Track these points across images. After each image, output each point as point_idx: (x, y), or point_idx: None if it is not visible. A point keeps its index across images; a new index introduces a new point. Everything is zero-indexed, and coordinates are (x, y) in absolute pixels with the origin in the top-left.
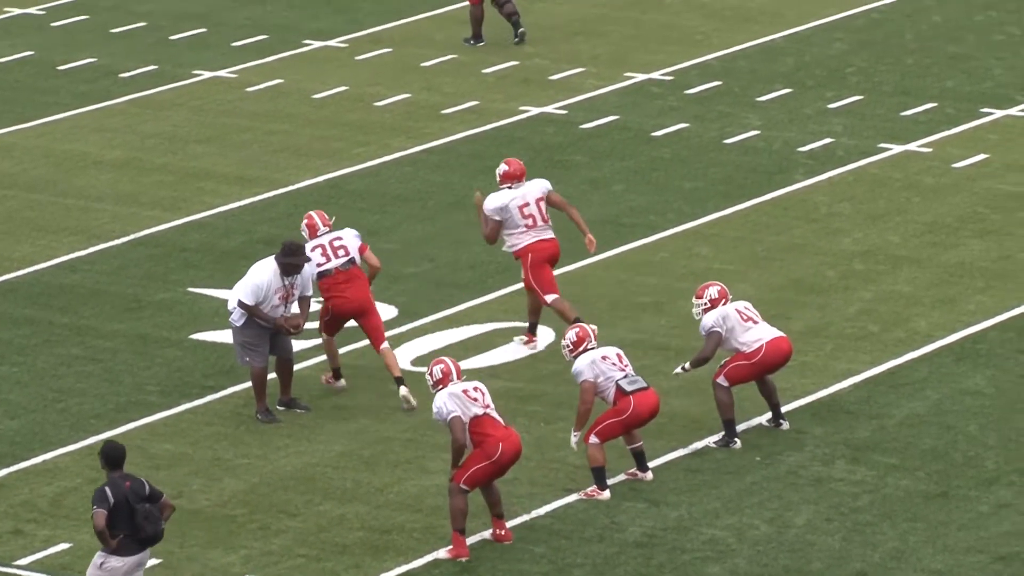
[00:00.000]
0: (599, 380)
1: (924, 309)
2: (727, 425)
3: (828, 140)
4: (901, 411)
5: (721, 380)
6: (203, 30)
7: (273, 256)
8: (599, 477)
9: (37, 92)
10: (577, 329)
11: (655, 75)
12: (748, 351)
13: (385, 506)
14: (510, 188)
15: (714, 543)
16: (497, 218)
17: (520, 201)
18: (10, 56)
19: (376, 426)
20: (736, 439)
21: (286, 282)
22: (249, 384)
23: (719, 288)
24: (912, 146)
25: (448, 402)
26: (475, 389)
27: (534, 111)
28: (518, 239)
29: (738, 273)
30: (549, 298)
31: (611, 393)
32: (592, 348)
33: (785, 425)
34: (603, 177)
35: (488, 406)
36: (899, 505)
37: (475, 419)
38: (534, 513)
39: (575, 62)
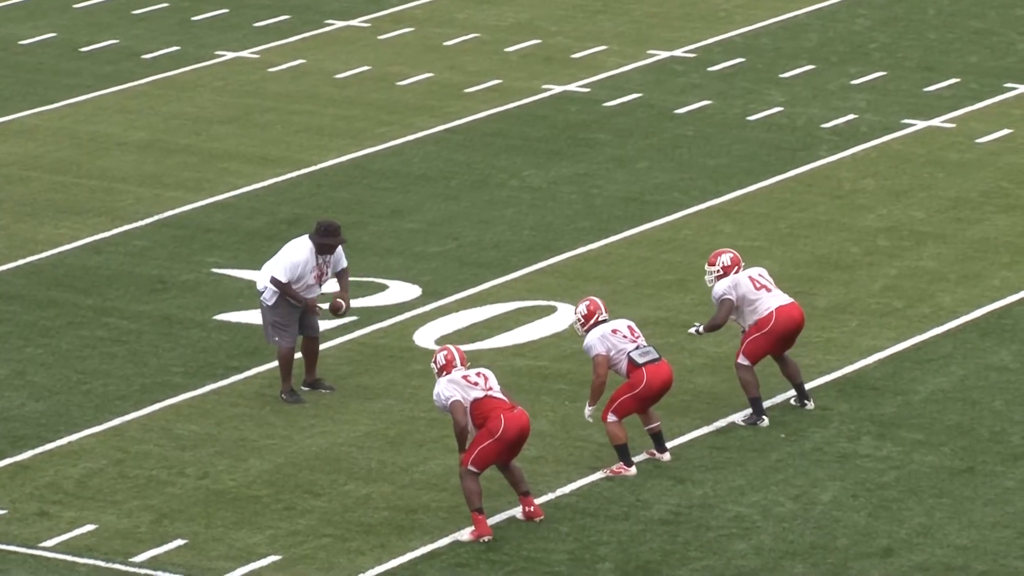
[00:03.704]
0: (611, 353)
1: (949, 285)
2: (753, 403)
3: (852, 116)
4: (926, 387)
5: (741, 360)
6: (225, 11)
7: (307, 236)
8: (623, 454)
9: (60, 74)
10: (588, 302)
11: (678, 52)
12: (759, 318)
13: (410, 486)
14: None
15: (740, 520)
16: None
17: None
18: (33, 38)
19: (400, 406)
20: (764, 417)
21: (320, 261)
22: (273, 364)
23: (732, 255)
24: (936, 121)
25: (446, 388)
26: (477, 375)
27: (557, 89)
28: None
29: (762, 250)
30: None
31: (623, 366)
32: (603, 321)
33: (810, 405)
34: (627, 155)
35: (490, 389)
36: (925, 481)
37: (476, 402)
38: (559, 491)
39: (598, 40)
